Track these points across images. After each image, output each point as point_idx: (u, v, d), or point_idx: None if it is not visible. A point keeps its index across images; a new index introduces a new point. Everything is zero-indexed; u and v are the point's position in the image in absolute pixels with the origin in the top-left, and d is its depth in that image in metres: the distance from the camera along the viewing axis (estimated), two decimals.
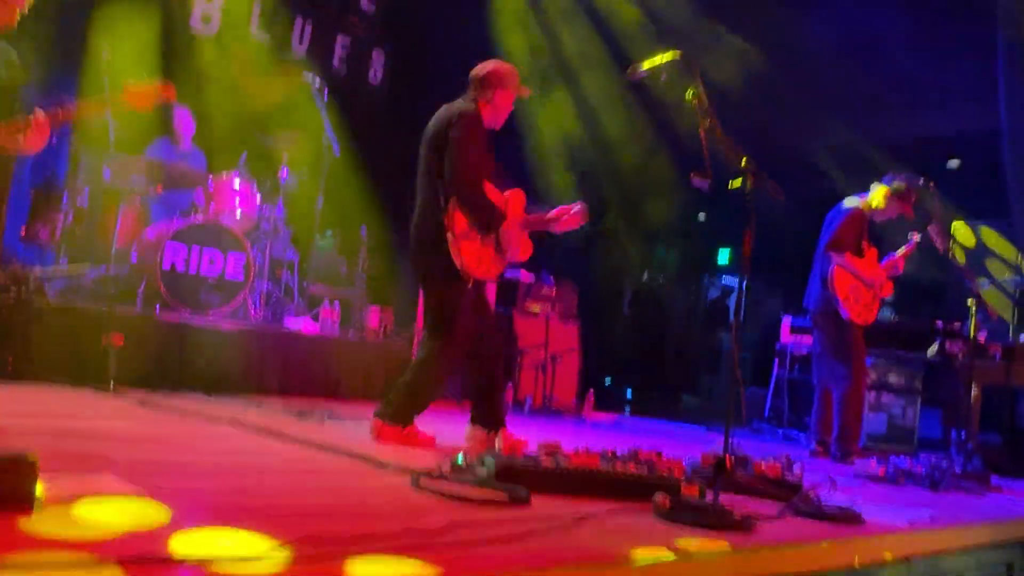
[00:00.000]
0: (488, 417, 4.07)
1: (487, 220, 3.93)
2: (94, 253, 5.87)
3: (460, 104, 4.07)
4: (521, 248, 4.12)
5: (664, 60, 3.46)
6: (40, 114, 3.47)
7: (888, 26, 7.40)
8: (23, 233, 5.75)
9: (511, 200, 4.11)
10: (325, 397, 5.71)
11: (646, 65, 3.56)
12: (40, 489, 1.91)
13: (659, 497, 2.74)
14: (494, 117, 4.09)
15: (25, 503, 1.87)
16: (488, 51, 9.33)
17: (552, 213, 4.13)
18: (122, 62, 5.93)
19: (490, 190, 4.00)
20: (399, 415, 3.93)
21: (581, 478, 2.97)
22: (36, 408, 3.81)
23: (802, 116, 8.07)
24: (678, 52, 3.39)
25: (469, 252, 3.89)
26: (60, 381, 4.60)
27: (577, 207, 4.11)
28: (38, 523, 1.80)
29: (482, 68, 4.13)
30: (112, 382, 4.63)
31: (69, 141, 6.29)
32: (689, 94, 3.32)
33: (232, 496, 2.43)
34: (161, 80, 3.87)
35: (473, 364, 4.12)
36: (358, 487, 2.82)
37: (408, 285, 6.72)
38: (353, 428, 4.32)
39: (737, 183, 3.24)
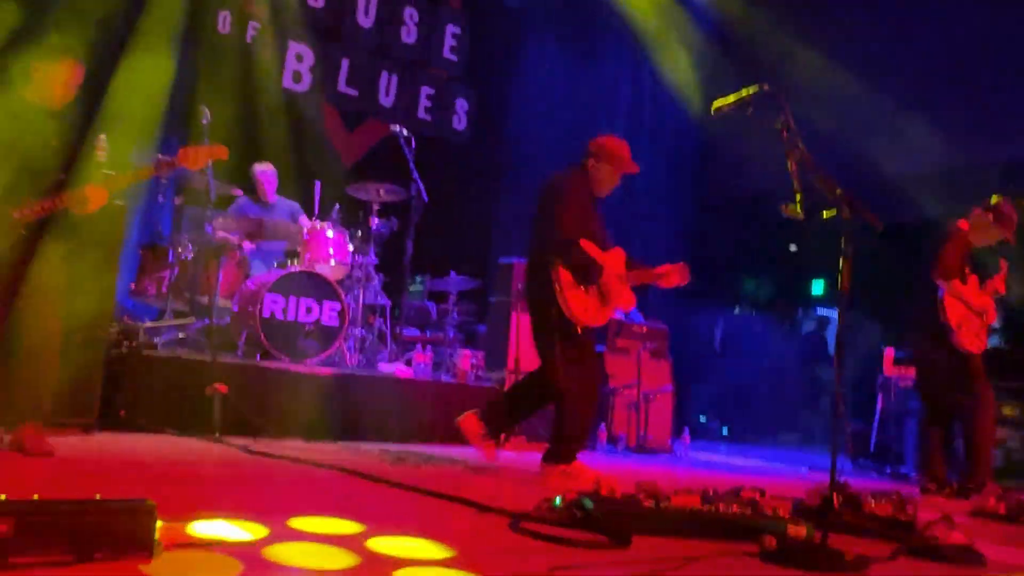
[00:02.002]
0: (555, 452, 4.38)
1: (586, 274, 4.31)
2: (198, 305, 6.11)
3: (568, 168, 4.54)
4: (624, 299, 4.48)
5: (750, 93, 3.44)
6: (97, 185, 3.67)
7: (983, 48, 7.19)
8: (132, 288, 6.03)
9: (612, 257, 4.44)
10: (420, 441, 5.77)
11: (731, 100, 3.54)
12: (158, 534, 1.98)
13: (766, 538, 2.66)
14: (599, 186, 4.50)
15: (145, 549, 1.94)
16: (568, 95, 9.47)
17: (658, 270, 4.51)
18: (221, 122, 6.25)
19: (590, 246, 4.32)
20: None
21: (682, 519, 2.91)
22: (148, 456, 3.96)
23: (896, 140, 7.87)
24: (764, 84, 3.36)
25: (576, 301, 4.28)
26: (168, 430, 4.78)
27: (681, 265, 4.49)
28: (158, 568, 1.87)
29: (597, 138, 4.57)
30: (217, 430, 4.79)
31: (173, 199, 6.59)
32: (778, 124, 3.28)
33: (335, 541, 2.47)
34: (216, 142, 4.08)
35: (566, 404, 4.38)
36: (458, 530, 2.83)
37: (498, 328, 6.76)
38: (449, 471, 4.35)
39: (831, 213, 3.18)
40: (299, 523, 2.62)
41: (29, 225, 3.55)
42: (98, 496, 1.96)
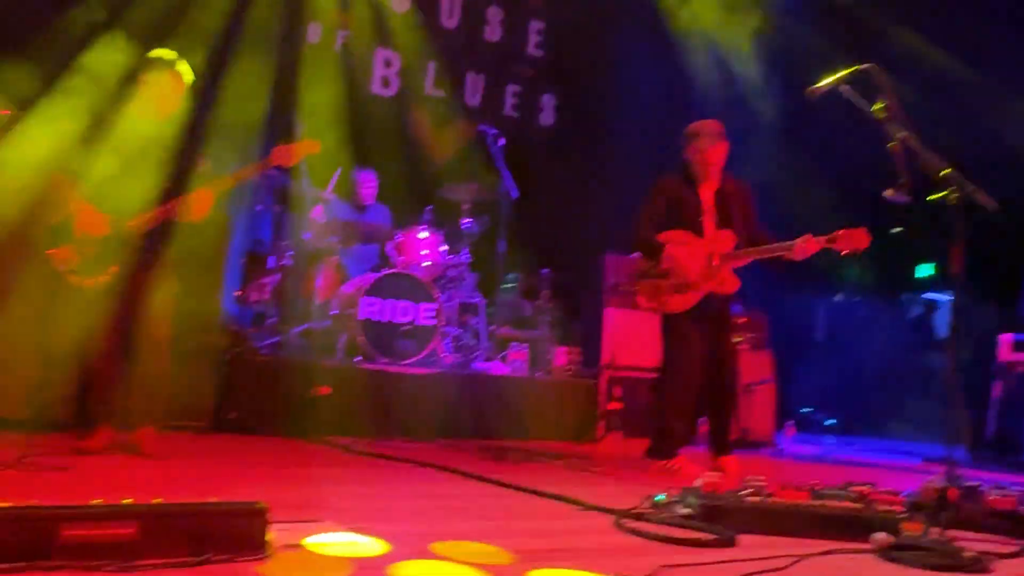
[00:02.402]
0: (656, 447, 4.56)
1: (646, 258, 4.57)
2: (299, 310, 6.29)
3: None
4: (717, 282, 4.50)
5: (847, 73, 3.32)
6: (203, 188, 3.80)
7: None
8: (237, 295, 6.25)
9: (718, 240, 4.52)
10: (518, 438, 5.80)
11: (827, 82, 3.43)
12: (270, 535, 2.05)
13: (879, 535, 2.57)
14: (699, 169, 4.61)
15: (258, 549, 2.01)
16: (656, 86, 9.34)
17: (834, 234, 4.23)
18: (314, 129, 6.43)
19: (672, 235, 4.52)
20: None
21: (790, 515, 2.83)
22: (258, 458, 4.09)
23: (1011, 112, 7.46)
24: (863, 64, 3.24)
25: (645, 291, 4.60)
26: (276, 432, 4.94)
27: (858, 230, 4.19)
28: (271, 569, 1.93)
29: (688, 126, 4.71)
30: (321, 431, 4.93)
31: (271, 207, 6.79)
32: (879, 106, 3.16)
33: (442, 537, 2.50)
34: (309, 138, 4.15)
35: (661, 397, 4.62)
36: (561, 528, 2.83)
37: (593, 323, 6.72)
38: (548, 468, 4.35)
39: (938, 195, 3.04)
40: (398, 523, 2.67)
41: (143, 235, 3.71)
42: (214, 499, 2.03)
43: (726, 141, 4.63)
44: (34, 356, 4.24)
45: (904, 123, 3.12)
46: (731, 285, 4.54)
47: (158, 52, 3.90)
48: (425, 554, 2.24)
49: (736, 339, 4.76)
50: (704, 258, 4.50)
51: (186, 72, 3.90)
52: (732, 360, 4.69)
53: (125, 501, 1.94)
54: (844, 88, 3.38)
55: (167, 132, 3.89)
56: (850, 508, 2.86)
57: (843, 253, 4.19)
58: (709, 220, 4.59)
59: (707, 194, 4.65)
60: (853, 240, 4.13)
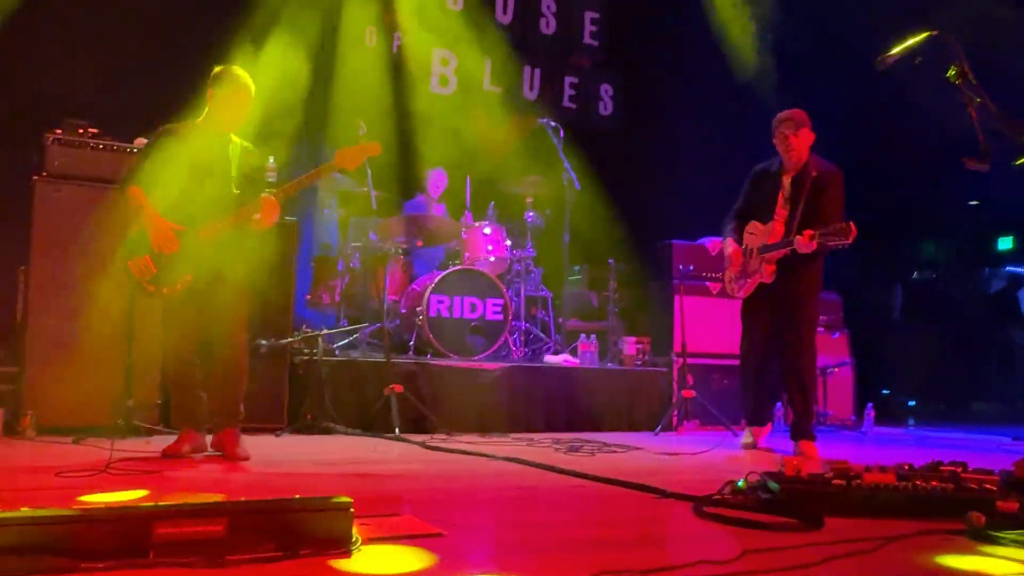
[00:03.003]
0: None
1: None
2: (369, 310, 6.37)
3: None
4: (762, 273, 4.72)
5: (918, 41, 3.22)
6: (271, 195, 3.86)
7: None
8: (308, 298, 6.36)
9: (764, 233, 4.77)
10: (591, 429, 5.78)
11: (897, 50, 3.33)
12: (355, 529, 2.07)
13: (973, 515, 2.48)
14: (785, 156, 4.81)
15: (344, 544, 2.03)
16: (713, 69, 9.18)
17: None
18: (376, 132, 6.52)
19: (753, 226, 4.87)
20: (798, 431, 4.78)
21: (877, 497, 2.76)
22: (335, 456, 4.16)
23: None
24: (934, 31, 3.13)
25: (724, 276, 5.06)
26: (351, 430, 5.02)
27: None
28: (358, 563, 1.95)
29: None
30: (396, 428, 4.99)
31: (337, 211, 6.89)
32: (952, 73, 3.05)
33: (522, 529, 2.50)
34: (369, 140, 4.18)
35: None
36: (641, 516, 2.80)
37: (662, 311, 6.66)
38: (624, 458, 4.33)
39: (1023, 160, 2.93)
40: (477, 516, 2.68)
41: (215, 244, 3.80)
42: (298, 496, 2.06)
43: (810, 130, 4.76)
44: (118, 365, 4.38)
45: (979, 88, 3.00)
46: (765, 275, 4.70)
47: (225, 66, 3.99)
48: (506, 544, 2.25)
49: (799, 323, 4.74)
50: (757, 250, 4.79)
51: (250, 83, 3.98)
52: (797, 345, 4.70)
53: (213, 499, 1.99)
54: (915, 56, 3.27)
55: (235, 143, 3.97)
56: (941, 488, 2.77)
57: (832, 247, 4.38)
58: (780, 208, 4.75)
59: (786, 182, 4.79)
60: (841, 232, 4.25)
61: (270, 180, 4.43)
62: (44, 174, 4.61)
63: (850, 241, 4.23)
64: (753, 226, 4.89)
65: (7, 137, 5.44)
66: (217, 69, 3.98)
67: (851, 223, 4.23)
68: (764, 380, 4.90)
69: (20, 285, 4.74)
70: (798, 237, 4.46)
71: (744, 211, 4.99)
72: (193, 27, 6.10)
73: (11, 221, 4.76)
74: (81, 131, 4.73)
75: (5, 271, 4.89)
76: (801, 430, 4.72)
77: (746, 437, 5.01)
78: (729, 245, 4.92)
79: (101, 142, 4.74)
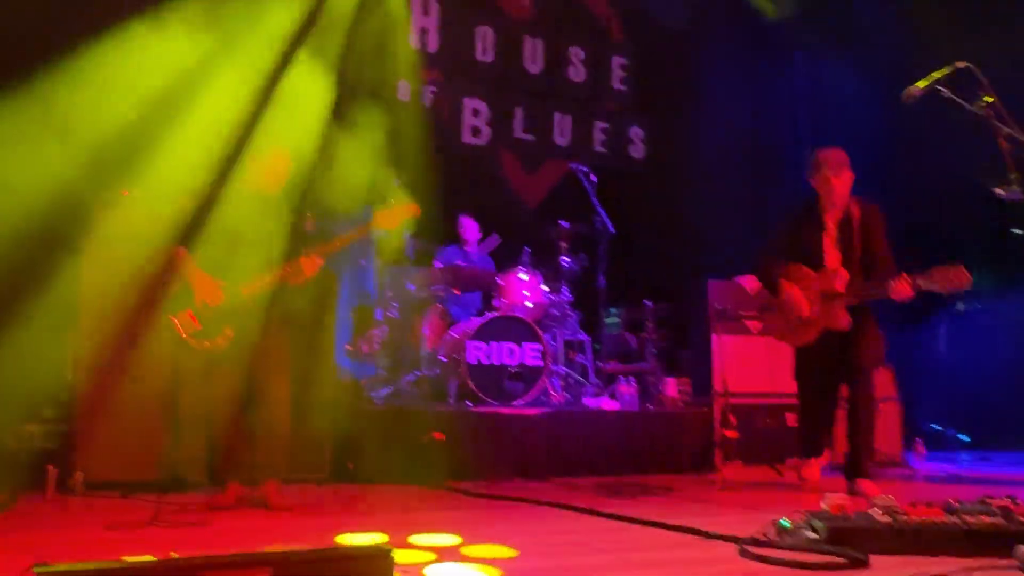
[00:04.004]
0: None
1: (765, 287, 4.75)
2: (408, 359, 6.42)
3: None
4: (831, 319, 4.49)
5: (943, 74, 3.23)
6: (311, 253, 3.97)
7: None
8: (348, 348, 6.44)
9: (830, 278, 4.52)
10: (634, 472, 5.73)
11: (923, 83, 3.34)
12: None
13: (1023, 548, 2.42)
14: (826, 198, 4.65)
15: None
16: (743, 109, 9.24)
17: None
18: (411, 183, 6.63)
19: (795, 269, 4.63)
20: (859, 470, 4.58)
21: (924, 534, 2.71)
22: (378, 505, 4.18)
23: None
24: (959, 62, 3.15)
25: (772, 321, 4.81)
26: (393, 479, 5.03)
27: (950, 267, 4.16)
28: None
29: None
30: (438, 476, 4.99)
31: (375, 263, 7.00)
32: (980, 104, 3.06)
33: (564, 573, 2.50)
34: (404, 189, 4.28)
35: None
36: (684, 558, 2.78)
37: (701, 351, 6.62)
38: (668, 500, 4.29)
39: None
40: (519, 562, 2.67)
41: (257, 300, 3.90)
42: (337, 537, 2.09)
43: (850, 170, 4.62)
44: (163, 419, 4.47)
45: (1007, 118, 3.00)
46: (842, 322, 4.47)
47: (263, 134, 4.14)
48: None
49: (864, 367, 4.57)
50: (817, 295, 4.55)
51: (287, 152, 4.12)
52: (864, 382, 4.55)
53: (258, 550, 2.02)
54: (941, 88, 3.29)
55: (276, 202, 4.09)
56: (990, 522, 2.71)
57: (944, 294, 4.16)
58: (831, 252, 4.64)
59: (831, 224, 4.68)
60: (951, 279, 4.04)
61: (309, 233, 4.54)
62: (92, 235, 4.76)
63: (965, 287, 4.03)
64: (799, 270, 4.67)
65: (59, 198, 5.61)
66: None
67: (962, 266, 4.04)
68: (824, 412, 4.82)
69: (70, 345, 4.87)
70: (894, 284, 4.23)
71: (783, 253, 4.77)
72: None
73: (61, 280, 4.89)
74: (125, 192, 4.88)
75: (55, 332, 5.02)
76: (862, 469, 4.52)
77: (804, 469, 4.81)
78: (789, 289, 4.62)
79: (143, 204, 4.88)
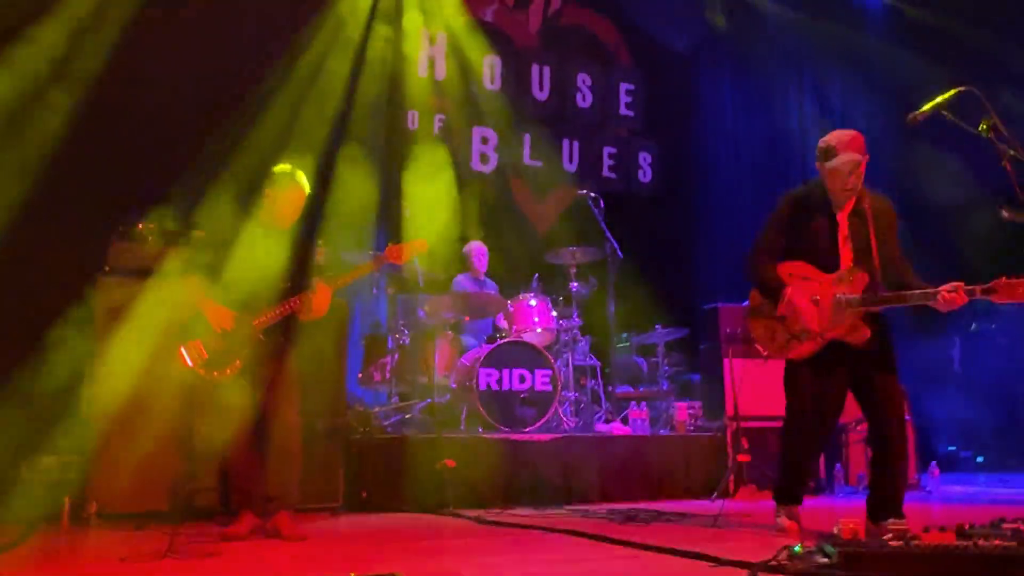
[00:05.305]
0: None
1: (762, 295, 3.98)
2: (419, 387, 6.44)
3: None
4: (845, 329, 3.82)
5: (947, 97, 3.26)
6: (321, 286, 4.02)
7: None
8: (360, 377, 6.46)
9: (847, 282, 3.83)
10: (646, 497, 5.71)
11: (927, 107, 3.37)
12: None
13: None
14: (833, 184, 3.89)
15: None
16: (750, 130, 9.28)
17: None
18: (421, 211, 6.71)
19: (795, 267, 3.92)
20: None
21: (937, 558, 2.69)
22: (392, 533, 4.18)
23: None
24: (964, 86, 3.18)
25: (756, 328, 4.02)
26: (406, 507, 5.04)
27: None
28: None
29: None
30: (450, 503, 4.99)
31: (386, 290, 7.03)
32: (984, 126, 3.08)
33: None
34: (416, 238, 4.33)
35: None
36: None
37: (711, 375, 6.62)
38: (680, 526, 4.27)
39: None
40: None
41: (267, 331, 3.95)
42: (354, 574, 2.10)
43: (866, 155, 3.84)
44: (176, 450, 4.49)
45: (1011, 139, 3.02)
46: (861, 334, 3.82)
47: (280, 167, 4.20)
48: None
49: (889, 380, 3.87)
50: (829, 301, 3.83)
51: (304, 183, 4.18)
52: (891, 408, 3.87)
53: None
54: (946, 112, 3.31)
55: (287, 239, 4.14)
56: (1004, 547, 2.69)
57: (1000, 303, 3.57)
58: (846, 250, 3.90)
59: (841, 218, 3.93)
60: (1015, 292, 3.47)
61: (319, 264, 4.58)
62: (107, 268, 4.82)
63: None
64: (804, 269, 3.93)
65: (75, 233, 5.68)
66: (275, 169, 4.19)
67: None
68: (816, 444, 4.21)
69: (85, 377, 4.90)
70: (944, 293, 3.58)
71: (781, 248, 4.00)
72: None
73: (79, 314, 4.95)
74: (140, 226, 4.94)
75: (71, 364, 5.06)
76: (896, 506, 3.78)
77: (784, 519, 4.02)
78: (793, 297, 3.85)
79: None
